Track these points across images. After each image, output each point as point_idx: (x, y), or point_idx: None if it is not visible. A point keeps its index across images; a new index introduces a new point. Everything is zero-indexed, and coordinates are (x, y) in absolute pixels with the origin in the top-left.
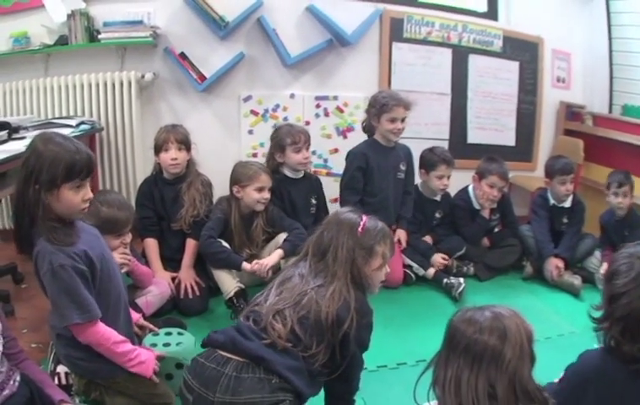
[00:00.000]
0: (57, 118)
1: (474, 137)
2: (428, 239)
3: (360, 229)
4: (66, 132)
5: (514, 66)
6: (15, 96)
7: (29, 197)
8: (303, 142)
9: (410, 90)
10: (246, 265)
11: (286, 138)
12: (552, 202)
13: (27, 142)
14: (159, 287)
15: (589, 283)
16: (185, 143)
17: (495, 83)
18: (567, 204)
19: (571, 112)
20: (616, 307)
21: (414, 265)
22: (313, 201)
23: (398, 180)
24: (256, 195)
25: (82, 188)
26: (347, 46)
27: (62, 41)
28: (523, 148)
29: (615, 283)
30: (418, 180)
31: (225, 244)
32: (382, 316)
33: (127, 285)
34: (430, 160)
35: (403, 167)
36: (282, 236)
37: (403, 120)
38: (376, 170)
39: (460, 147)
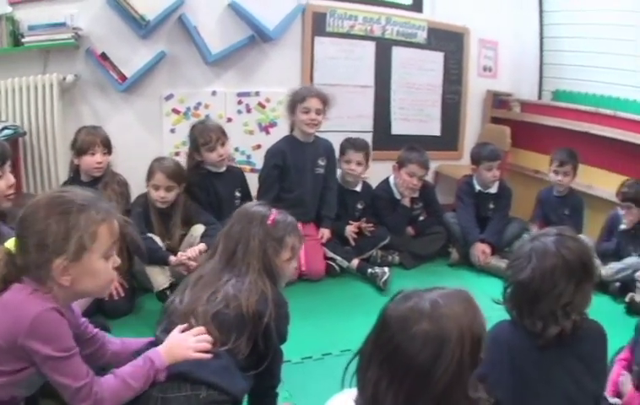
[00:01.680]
0: None
1: (398, 128)
2: (353, 228)
3: (269, 221)
4: None
5: (439, 56)
6: None
7: None
8: (215, 140)
9: (333, 84)
10: (172, 259)
11: (199, 138)
12: (478, 188)
13: None
14: None
15: None
16: (109, 147)
17: (419, 74)
18: (494, 190)
19: (498, 100)
20: (512, 284)
21: (338, 258)
22: (237, 194)
23: (316, 175)
24: (153, 192)
25: (2, 177)
26: (269, 42)
27: None
28: (449, 138)
29: (511, 262)
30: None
31: (158, 241)
32: (305, 308)
33: None
34: (341, 147)
35: (322, 162)
36: (198, 228)
37: (318, 111)
38: (292, 167)
39: (384, 138)
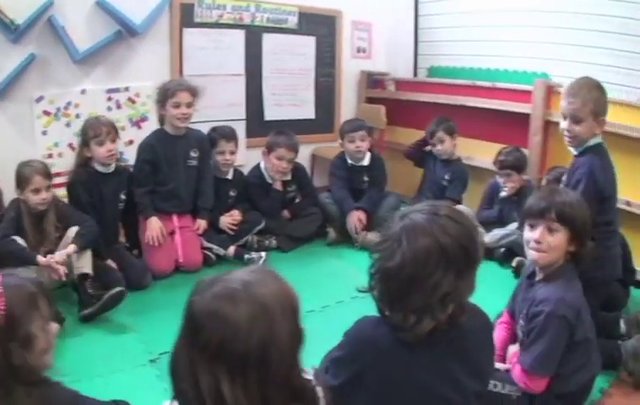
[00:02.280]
0: None
1: (271, 114)
2: (237, 213)
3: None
4: None
5: (310, 41)
6: None
7: None
8: (105, 134)
9: (203, 74)
10: (40, 258)
11: (89, 131)
12: (350, 162)
13: None
14: None
15: None
16: None
17: (290, 59)
18: (366, 162)
19: (372, 80)
20: (379, 271)
21: (214, 246)
22: (122, 196)
23: (189, 167)
24: (33, 197)
25: None
26: (137, 36)
27: None
28: (324, 120)
29: (379, 244)
30: None
31: (21, 241)
32: (180, 301)
33: None
34: (210, 139)
35: (194, 154)
36: (73, 230)
37: (189, 105)
38: (164, 160)
39: (258, 125)
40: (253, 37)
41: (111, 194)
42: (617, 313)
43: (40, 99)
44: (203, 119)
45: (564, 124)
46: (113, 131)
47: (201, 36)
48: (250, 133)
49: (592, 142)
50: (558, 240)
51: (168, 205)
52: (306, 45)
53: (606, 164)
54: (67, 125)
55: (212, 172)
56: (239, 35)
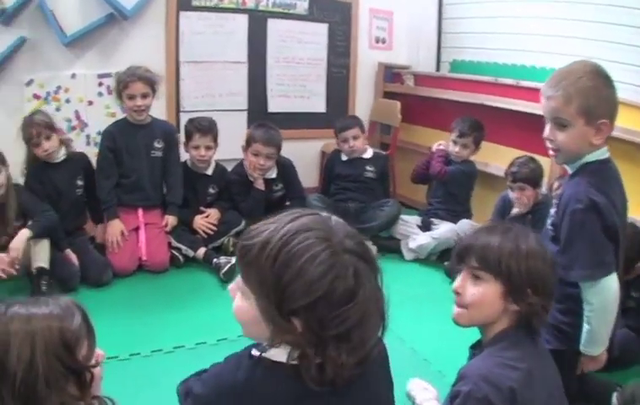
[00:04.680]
0: None
1: (276, 105)
2: (214, 213)
3: None
4: None
5: (322, 28)
6: None
7: None
8: (36, 136)
9: (201, 61)
10: None
11: (23, 134)
12: (345, 158)
13: None
14: None
15: (395, 253)
16: None
17: (299, 47)
18: (368, 155)
19: (390, 73)
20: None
21: (183, 247)
22: (79, 182)
23: (153, 158)
24: None
25: None
26: (129, 20)
27: None
28: (336, 114)
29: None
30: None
31: None
32: (139, 301)
33: None
34: (186, 131)
35: (158, 145)
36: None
37: (144, 95)
38: (124, 150)
39: (260, 117)
40: (257, 23)
41: (65, 182)
42: (609, 382)
43: (30, 82)
44: (201, 108)
45: (546, 131)
46: (46, 129)
47: (199, 20)
48: (251, 125)
49: (589, 157)
50: (483, 292)
51: (132, 198)
52: (318, 32)
53: (608, 193)
54: (57, 109)
55: (179, 165)
56: (242, 20)
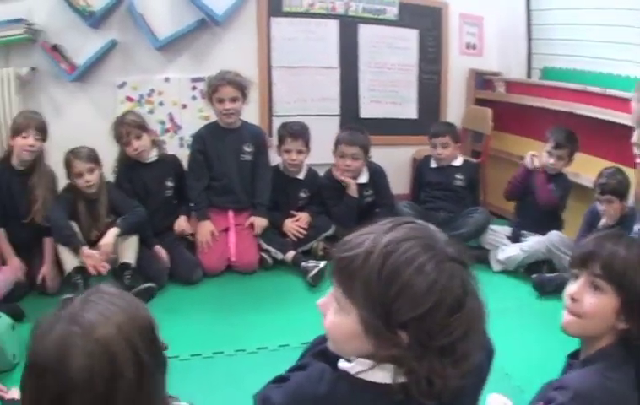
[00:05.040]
0: None
1: (368, 111)
2: (304, 217)
3: None
4: None
5: (412, 34)
6: None
7: None
8: (126, 135)
9: (293, 66)
10: (84, 250)
11: (114, 133)
12: (434, 165)
13: None
14: (3, 274)
15: (482, 263)
16: (43, 133)
17: (390, 53)
18: (457, 163)
19: (482, 80)
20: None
21: (273, 249)
22: (169, 183)
23: (242, 162)
24: (78, 181)
25: None
26: (221, 25)
27: None
28: (428, 121)
29: None
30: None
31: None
32: (225, 301)
33: None
34: (279, 135)
35: (248, 149)
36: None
37: (233, 100)
38: (214, 153)
39: (352, 122)
40: (348, 28)
41: (154, 182)
42: None
43: (122, 85)
44: (293, 112)
45: (634, 136)
46: (137, 129)
47: (290, 26)
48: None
49: None
50: (601, 303)
51: (222, 200)
52: (408, 38)
53: None
54: (151, 112)
55: (269, 169)
56: (332, 26)
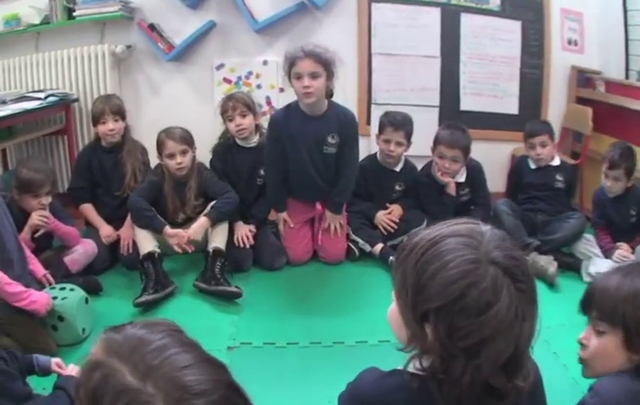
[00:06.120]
0: (32, 92)
1: (468, 103)
2: (397, 209)
3: None
4: (34, 104)
5: (515, 26)
6: (11, 72)
7: None
8: (232, 110)
9: (393, 53)
10: (167, 230)
11: (221, 107)
12: (533, 165)
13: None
14: (84, 246)
15: (574, 271)
16: (121, 114)
17: (492, 44)
18: (556, 163)
19: (584, 78)
20: None
21: (361, 241)
22: (262, 172)
23: (324, 154)
24: (169, 162)
25: None
26: (321, 9)
27: (47, 20)
28: (529, 117)
29: None
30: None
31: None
32: (307, 292)
33: (57, 246)
34: (380, 123)
35: (332, 140)
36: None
37: (313, 75)
38: (289, 140)
39: (453, 114)
40: (450, 17)
41: (247, 168)
42: None
43: (220, 66)
44: (392, 101)
45: None
46: (243, 107)
47: (391, 12)
48: (443, 123)
49: None
50: (602, 345)
51: (306, 194)
52: (511, 30)
53: None
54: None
55: (355, 160)
56: (434, 14)
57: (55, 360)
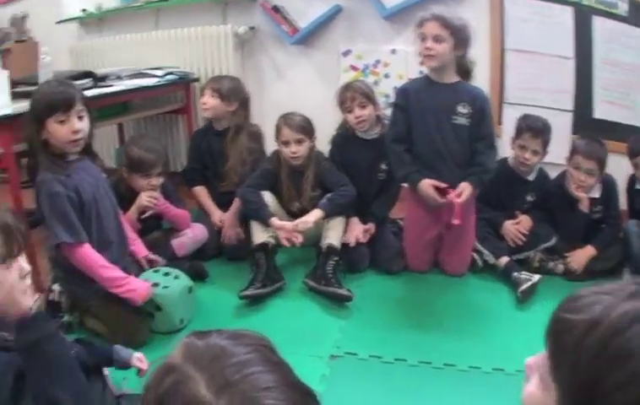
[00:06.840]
0: (149, 69)
1: (601, 111)
2: (526, 221)
3: None
4: (151, 81)
5: None
6: (130, 48)
7: (30, 133)
8: (350, 101)
9: (526, 50)
10: (273, 221)
11: (338, 98)
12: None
13: (114, 89)
14: (193, 230)
15: None
16: (219, 91)
17: (622, 51)
18: None
19: None
20: None
21: (485, 252)
22: (383, 166)
23: (455, 125)
24: (284, 149)
25: (67, 122)
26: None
27: None
28: None
29: None
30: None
31: (267, 197)
32: (423, 300)
33: (166, 228)
34: (517, 126)
35: (463, 109)
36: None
37: (436, 39)
38: (416, 108)
39: (585, 122)
40: (582, 18)
41: (367, 162)
42: None
43: (347, 53)
44: (522, 101)
45: None
46: (362, 97)
47: (524, 7)
48: (576, 130)
49: None
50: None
51: (429, 176)
52: (639, 38)
53: None
54: (376, 83)
55: (492, 140)
56: (567, 12)
57: (137, 355)
